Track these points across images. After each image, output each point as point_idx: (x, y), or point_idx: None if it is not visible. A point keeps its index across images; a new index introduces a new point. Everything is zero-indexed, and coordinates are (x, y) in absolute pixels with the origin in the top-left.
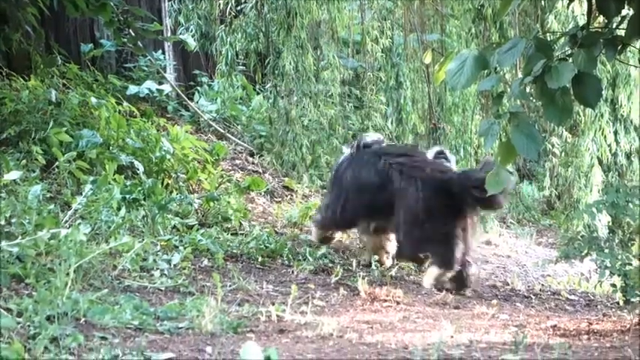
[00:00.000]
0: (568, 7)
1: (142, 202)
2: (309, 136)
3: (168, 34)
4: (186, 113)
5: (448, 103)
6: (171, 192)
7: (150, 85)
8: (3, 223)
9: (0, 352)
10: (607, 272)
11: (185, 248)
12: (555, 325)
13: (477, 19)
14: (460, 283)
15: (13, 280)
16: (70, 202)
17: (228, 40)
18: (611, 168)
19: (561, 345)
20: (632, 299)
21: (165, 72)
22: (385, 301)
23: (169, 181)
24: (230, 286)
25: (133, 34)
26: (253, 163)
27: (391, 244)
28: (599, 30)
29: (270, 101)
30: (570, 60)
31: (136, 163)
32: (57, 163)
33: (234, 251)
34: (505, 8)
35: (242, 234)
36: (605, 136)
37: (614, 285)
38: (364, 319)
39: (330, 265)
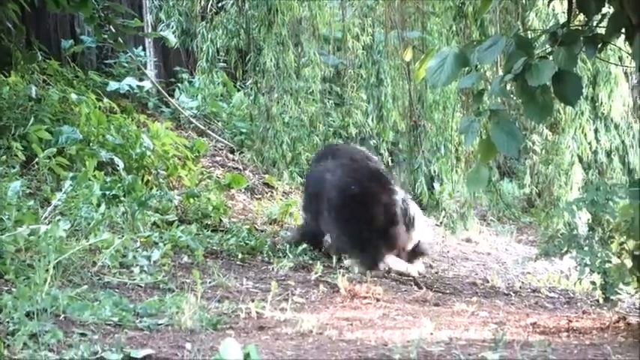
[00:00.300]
0: (549, 5)
1: (122, 198)
2: (289, 133)
3: (149, 31)
4: (166, 110)
5: (429, 100)
6: (151, 188)
7: (130, 81)
8: None
9: None
10: (586, 270)
11: (165, 245)
12: (535, 323)
13: (458, 17)
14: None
15: None
16: (50, 199)
17: (209, 36)
18: (591, 166)
19: (541, 342)
20: (612, 297)
21: (145, 68)
22: (365, 298)
23: (149, 178)
24: (210, 282)
25: (113, 30)
26: (234, 160)
27: None
28: (580, 28)
29: (251, 98)
30: (551, 58)
31: (116, 159)
32: (37, 159)
33: (214, 248)
34: (486, 6)
35: (222, 231)
36: (585, 134)
37: (593, 283)
38: (344, 316)
39: (310, 262)
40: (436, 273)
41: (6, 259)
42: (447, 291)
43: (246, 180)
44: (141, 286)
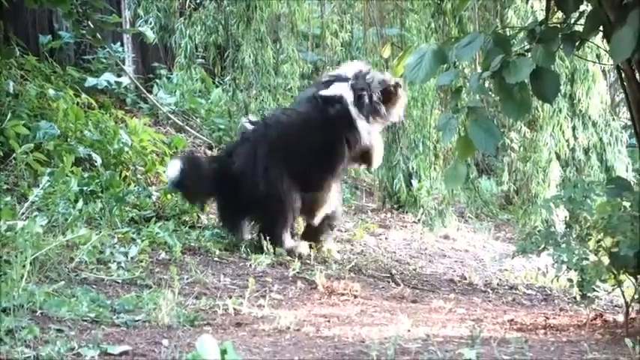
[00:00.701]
0: (527, 3)
1: (100, 194)
2: None
3: (127, 27)
4: (144, 106)
5: (407, 97)
6: (129, 184)
7: (108, 77)
8: None
9: None
10: (564, 267)
11: (142, 241)
12: (512, 320)
13: (437, 14)
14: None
15: None
16: (27, 194)
17: (188, 32)
18: (569, 163)
19: (518, 339)
20: (589, 294)
21: (123, 64)
22: (343, 294)
23: (127, 174)
24: (187, 279)
25: (91, 26)
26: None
27: None
28: (558, 25)
29: (229, 94)
30: (529, 55)
31: (94, 155)
32: (14, 154)
33: (192, 244)
34: (464, 3)
35: (200, 227)
36: (563, 132)
37: (570, 280)
38: (321, 313)
39: (288, 258)
40: (414, 270)
41: None
42: (425, 288)
43: None
44: (118, 283)
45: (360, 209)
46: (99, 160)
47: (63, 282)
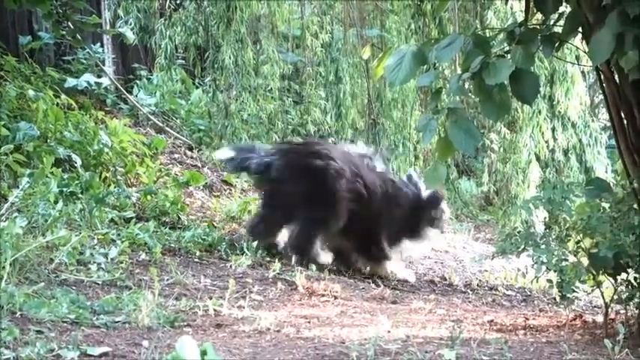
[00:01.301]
0: (507, 4)
1: (80, 195)
2: (248, 130)
3: (107, 27)
4: (124, 106)
5: (387, 98)
6: (109, 185)
7: (88, 78)
8: None
9: None
10: (543, 268)
11: (122, 242)
12: (492, 320)
13: (417, 15)
14: None
15: None
16: (7, 195)
17: (168, 33)
18: (548, 164)
19: (497, 340)
20: (568, 295)
21: (103, 65)
22: (323, 295)
23: (107, 175)
24: (167, 280)
25: (71, 26)
26: (192, 157)
27: None
28: (537, 27)
29: (210, 95)
30: (508, 57)
31: (74, 156)
32: None
33: (172, 245)
34: (444, 4)
35: (180, 228)
36: (542, 133)
37: (550, 281)
38: (302, 314)
39: (268, 259)
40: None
41: None
42: (405, 289)
43: (205, 177)
44: (98, 284)
45: None
46: (79, 161)
47: (43, 283)
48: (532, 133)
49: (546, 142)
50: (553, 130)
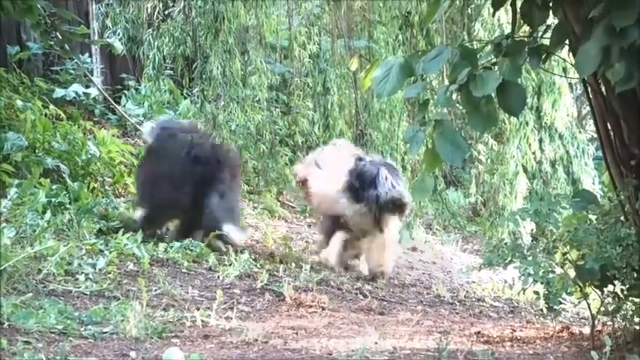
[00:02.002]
0: (494, 16)
1: (68, 205)
2: (236, 140)
3: (96, 38)
4: (113, 117)
5: (375, 109)
6: (97, 196)
7: (77, 88)
8: None
9: None
10: (530, 280)
11: (110, 253)
12: (479, 332)
13: (404, 26)
14: None
15: None
16: None
17: (156, 44)
18: (535, 175)
19: (484, 352)
20: (555, 307)
21: (92, 75)
22: (310, 306)
23: (95, 185)
24: (155, 290)
25: (60, 36)
26: None
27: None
28: (524, 39)
29: (198, 106)
30: (495, 69)
31: (62, 166)
32: None
33: (160, 256)
34: (431, 16)
35: (167, 237)
36: (530, 144)
37: (537, 292)
38: (289, 325)
39: (256, 270)
40: (382, 282)
41: None
42: (392, 300)
43: None
44: (86, 294)
45: None
46: (67, 172)
47: (31, 294)
48: (519, 145)
49: (533, 153)
50: (540, 141)
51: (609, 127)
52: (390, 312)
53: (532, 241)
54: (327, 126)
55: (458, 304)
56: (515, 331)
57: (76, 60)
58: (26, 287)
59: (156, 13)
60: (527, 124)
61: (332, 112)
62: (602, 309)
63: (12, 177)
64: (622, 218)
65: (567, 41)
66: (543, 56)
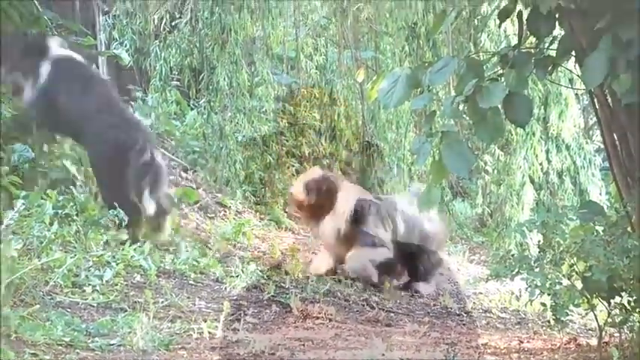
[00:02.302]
0: (500, 27)
1: (75, 217)
2: (242, 151)
3: (102, 49)
4: None
5: (382, 120)
6: (103, 207)
7: None
8: None
9: None
10: (537, 291)
11: (117, 264)
12: (486, 344)
13: (411, 37)
14: None
15: None
16: (2, 217)
17: (163, 55)
18: (542, 186)
19: None
20: (562, 318)
21: None
22: (317, 318)
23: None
24: (162, 302)
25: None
26: (187, 179)
27: None
28: (531, 50)
29: (204, 117)
30: (502, 80)
31: (69, 177)
32: None
33: (167, 267)
34: (437, 27)
35: (174, 250)
36: (536, 155)
37: (544, 304)
38: (296, 337)
39: (263, 281)
40: (389, 293)
41: None
42: (399, 311)
43: (197, 194)
44: (93, 306)
45: None
46: (74, 183)
47: (38, 306)
48: (526, 155)
49: (540, 164)
50: (547, 152)
51: (616, 138)
52: (397, 323)
53: (539, 252)
54: (333, 137)
55: (465, 315)
56: (522, 342)
57: None
58: (33, 299)
59: (163, 24)
60: (533, 134)
61: (339, 123)
62: (610, 320)
63: (19, 188)
64: (629, 229)
65: (574, 52)
66: (550, 67)
